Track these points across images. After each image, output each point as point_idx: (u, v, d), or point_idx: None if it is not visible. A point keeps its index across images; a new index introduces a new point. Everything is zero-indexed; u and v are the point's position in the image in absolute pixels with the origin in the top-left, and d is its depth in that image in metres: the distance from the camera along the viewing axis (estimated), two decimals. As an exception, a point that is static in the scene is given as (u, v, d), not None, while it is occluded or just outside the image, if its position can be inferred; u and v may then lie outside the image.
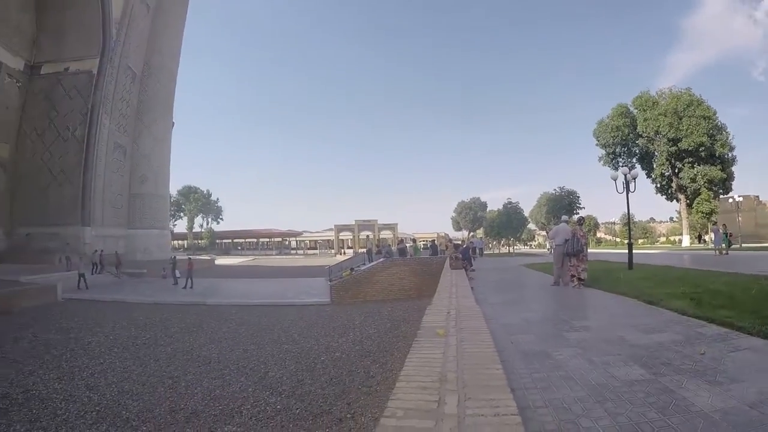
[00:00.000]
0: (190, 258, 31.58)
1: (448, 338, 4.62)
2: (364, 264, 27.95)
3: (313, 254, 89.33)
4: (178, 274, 27.67)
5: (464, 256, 18.17)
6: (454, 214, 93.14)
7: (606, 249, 54.75)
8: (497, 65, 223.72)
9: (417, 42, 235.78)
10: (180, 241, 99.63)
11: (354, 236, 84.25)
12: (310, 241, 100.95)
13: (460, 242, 24.76)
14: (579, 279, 11.36)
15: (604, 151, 59.13)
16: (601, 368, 4.28)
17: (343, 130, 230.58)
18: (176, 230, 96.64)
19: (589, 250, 12.31)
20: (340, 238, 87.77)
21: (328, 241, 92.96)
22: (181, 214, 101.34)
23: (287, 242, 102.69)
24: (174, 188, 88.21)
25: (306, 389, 8.65)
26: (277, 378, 9.40)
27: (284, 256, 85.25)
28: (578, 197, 61.95)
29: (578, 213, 57.04)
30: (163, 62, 48.63)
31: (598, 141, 58.96)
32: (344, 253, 74.72)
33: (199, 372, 9.94)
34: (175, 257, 31.42)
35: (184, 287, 26.33)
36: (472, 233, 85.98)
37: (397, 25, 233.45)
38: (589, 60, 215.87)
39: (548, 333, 6.06)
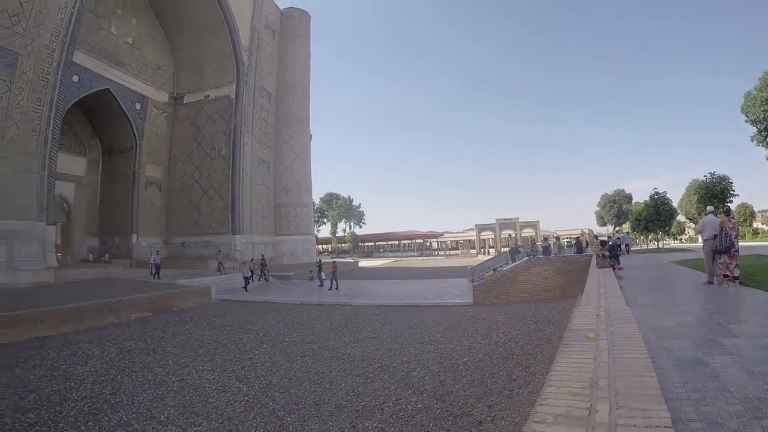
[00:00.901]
0: (334, 261, 32.78)
1: (599, 342, 4.32)
2: (506, 264, 27.27)
3: (455, 255, 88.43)
4: (323, 276, 28.64)
5: (611, 254, 17.05)
6: (597, 209, 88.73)
7: (763, 241, 48.63)
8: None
9: (558, 39, 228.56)
10: (324, 246, 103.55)
11: (495, 235, 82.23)
12: (451, 241, 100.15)
13: (605, 239, 23.19)
14: (733, 277, 10.09)
15: (755, 129, 51.61)
16: (761, 380, 3.70)
17: (481, 129, 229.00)
18: (321, 235, 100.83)
19: (739, 243, 10.84)
20: (482, 237, 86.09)
21: (469, 241, 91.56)
22: (325, 219, 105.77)
23: (428, 243, 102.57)
24: (317, 196, 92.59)
25: (447, 390, 8.47)
26: (419, 378, 9.31)
27: (426, 257, 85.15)
28: (731, 183, 55.56)
29: (731, 201, 50.72)
30: (295, 80, 51.62)
31: (748, 117, 51.54)
32: (487, 252, 73.14)
33: (343, 369, 10.08)
34: (320, 260, 32.69)
35: (329, 288, 27.13)
36: (617, 228, 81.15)
37: (540, 22, 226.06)
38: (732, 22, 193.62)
39: (703, 338, 5.36)
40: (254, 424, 7.15)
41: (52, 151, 26.26)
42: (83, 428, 7.22)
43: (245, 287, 26.28)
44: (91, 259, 38.74)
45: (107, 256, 38.64)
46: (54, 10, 25.96)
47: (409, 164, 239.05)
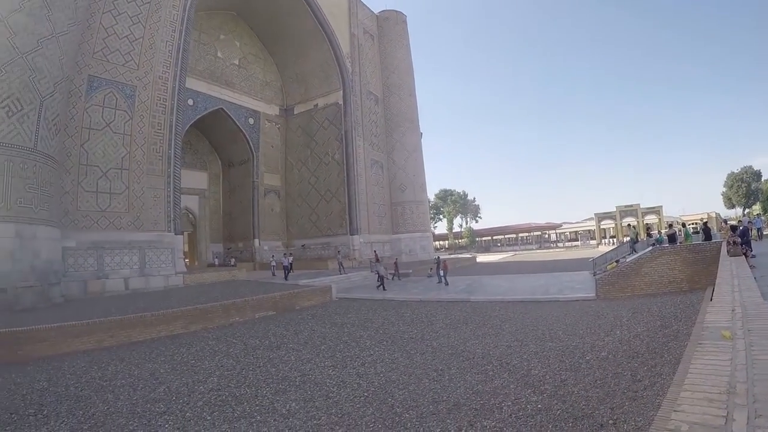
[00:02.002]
0: (441, 257, 32.50)
1: (735, 341, 3.79)
2: (629, 254, 25.44)
3: (574, 246, 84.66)
4: (442, 273, 28.39)
5: (743, 240, 15.19)
6: (724, 189, 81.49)
7: None
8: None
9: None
10: (441, 242, 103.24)
11: (616, 224, 77.31)
12: (570, 232, 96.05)
13: (735, 223, 20.72)
14: None
15: None
16: None
17: (597, 115, 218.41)
18: (437, 231, 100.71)
19: None
20: (602, 227, 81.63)
21: (589, 231, 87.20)
22: (441, 216, 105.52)
23: (546, 235, 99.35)
24: (431, 192, 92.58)
25: (568, 390, 7.82)
26: (539, 376, 8.71)
27: (544, 250, 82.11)
28: None
29: None
30: (399, 80, 52.04)
31: None
32: (611, 242, 69.23)
33: (462, 366, 9.72)
34: (439, 257, 32.40)
35: (438, 283, 27.22)
36: (746, 210, 73.75)
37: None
38: None
39: None
40: (372, 420, 7.01)
41: (176, 169, 28.61)
42: (209, 418, 7.55)
43: (382, 286, 26.27)
44: (216, 263, 42.49)
45: (233, 260, 42.04)
46: (162, 44, 28.52)
47: (526, 154, 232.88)
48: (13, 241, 18.55)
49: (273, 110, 48.27)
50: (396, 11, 54.86)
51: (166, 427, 7.25)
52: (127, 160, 26.20)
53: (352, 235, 42.58)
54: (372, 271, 32.33)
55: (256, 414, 7.58)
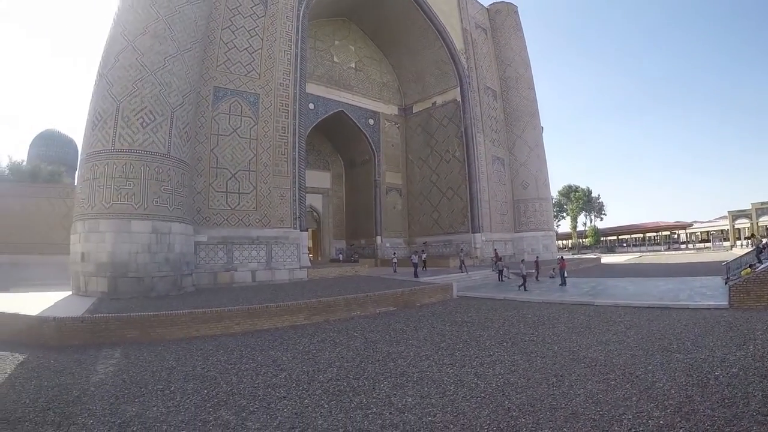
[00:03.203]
0: (562, 257, 31.01)
1: None
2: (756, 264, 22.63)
3: (705, 248, 77.41)
4: (566, 274, 27.22)
5: None
6: None
7: None
8: None
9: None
10: (564, 241, 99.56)
11: (752, 223, 69.92)
12: (701, 232, 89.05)
13: None
14: None
15: None
16: None
17: (731, 97, 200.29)
18: (560, 230, 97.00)
19: None
20: (736, 226, 74.28)
21: (722, 231, 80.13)
22: (564, 214, 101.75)
23: (675, 235, 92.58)
24: (554, 189, 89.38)
25: (693, 407, 6.92)
26: (663, 390, 7.82)
27: (672, 252, 76.22)
28: None
29: None
30: (516, 73, 50.66)
31: None
32: (746, 244, 62.19)
33: (583, 373, 9.02)
34: (561, 257, 31.10)
35: (561, 284, 26.26)
36: None
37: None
38: None
39: None
40: (488, 422, 6.65)
41: (300, 170, 30.09)
42: (326, 406, 7.63)
43: (523, 286, 25.43)
44: (341, 258, 43.70)
45: (355, 255, 43.58)
46: (280, 54, 30.34)
47: (655, 147, 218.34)
48: (149, 236, 21.18)
49: (392, 110, 49.08)
50: (507, 2, 53.39)
51: (285, 412, 7.45)
52: (254, 162, 28.14)
53: (473, 233, 42.13)
54: (493, 270, 31.91)
55: (372, 406, 7.56)
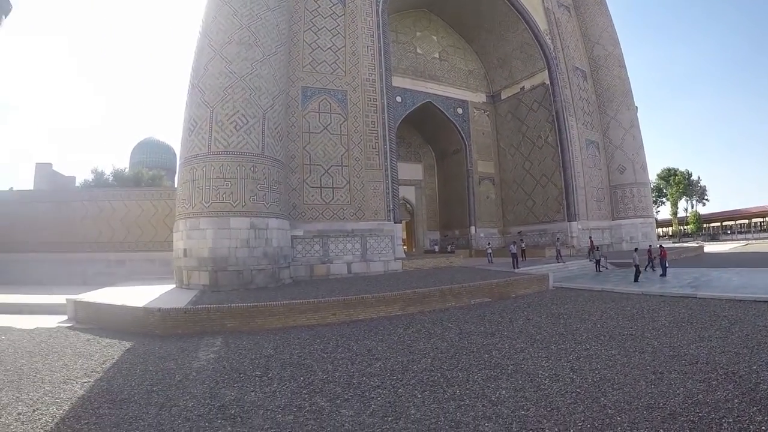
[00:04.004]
0: (661, 245, 29.46)
1: None
2: None
3: None
4: (667, 265, 25.78)
5: None
6: None
7: None
8: None
9: None
10: (664, 228, 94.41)
11: None
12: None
13: None
14: None
15: None
16: None
17: None
18: (659, 217, 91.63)
19: None
20: None
21: None
22: (663, 199, 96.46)
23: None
24: (652, 173, 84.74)
25: None
26: None
27: (783, 239, 68.82)
28: None
29: None
30: (605, 51, 48.33)
31: None
32: None
33: (683, 371, 8.48)
34: (661, 246, 29.46)
35: (662, 275, 24.93)
36: None
37: None
38: None
39: None
40: (582, 418, 6.47)
41: (392, 162, 30.67)
42: (419, 396, 7.77)
43: (636, 277, 24.33)
44: (436, 250, 44.16)
45: (449, 246, 43.38)
46: (363, 50, 30.96)
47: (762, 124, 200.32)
48: (248, 231, 22.41)
49: (480, 98, 48.16)
50: (589, -24, 50.51)
51: (378, 400, 7.64)
52: (346, 157, 28.97)
53: (569, 221, 40.72)
54: (590, 260, 30.86)
55: (465, 398, 7.57)
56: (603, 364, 9.23)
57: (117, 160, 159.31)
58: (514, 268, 27.73)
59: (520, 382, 8.31)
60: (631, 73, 49.94)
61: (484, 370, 9.19)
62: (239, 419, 7.09)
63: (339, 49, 30.11)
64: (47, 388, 8.83)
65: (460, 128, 45.50)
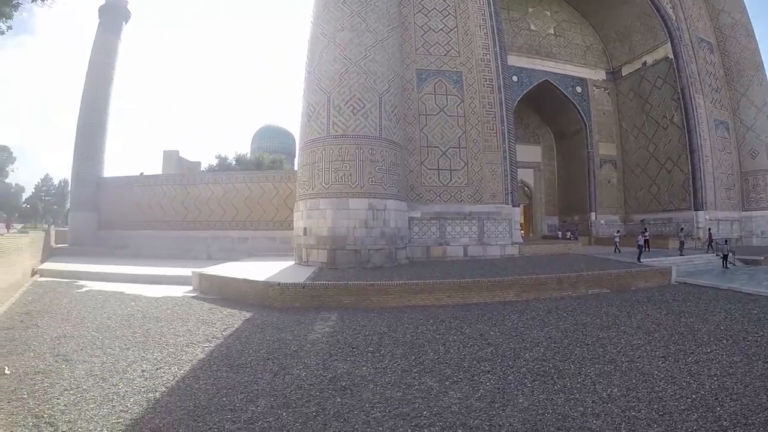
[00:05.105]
0: None
1: None
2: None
3: None
4: None
5: None
6: None
7: None
8: None
9: None
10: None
11: None
12: None
13: None
14: None
15: None
16: None
17: None
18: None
19: None
20: None
21: None
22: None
23: None
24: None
25: None
26: None
27: None
28: None
29: None
30: (731, 20, 43.46)
31: None
32: None
33: None
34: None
35: None
36: None
37: None
38: None
39: None
40: (694, 427, 6.29)
41: (510, 144, 30.23)
42: (529, 385, 7.91)
43: (724, 265, 22.97)
44: (559, 236, 42.45)
45: (569, 233, 41.60)
46: (475, 29, 30.52)
47: None
48: (366, 212, 23.31)
49: (599, 75, 45.40)
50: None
51: (487, 385, 7.90)
52: (463, 139, 29.05)
53: (695, 210, 37.35)
54: (717, 254, 28.95)
55: (575, 391, 7.60)
56: (723, 370, 8.80)
57: (239, 146, 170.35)
58: (638, 259, 26.07)
59: (633, 381, 8.15)
60: (761, 44, 44.79)
61: (597, 364, 9.08)
62: (349, 391, 7.63)
63: (451, 30, 30.04)
64: (170, 350, 10.08)
65: (579, 107, 43.29)
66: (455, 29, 30.17)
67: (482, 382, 8.03)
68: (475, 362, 9.15)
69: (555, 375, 8.39)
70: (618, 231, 36.02)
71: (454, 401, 7.19)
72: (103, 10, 47.89)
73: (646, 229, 35.33)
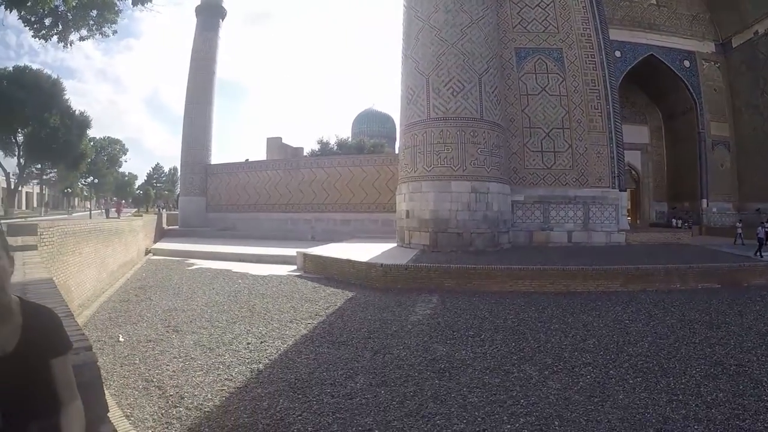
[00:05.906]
0: None
1: None
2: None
3: None
4: None
5: None
6: None
7: None
8: None
9: None
10: None
11: None
12: None
13: None
14: None
15: None
16: None
17: None
18: None
19: None
20: None
21: None
22: None
23: None
24: None
25: None
26: None
27: None
28: None
29: None
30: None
31: None
32: None
33: None
34: None
35: None
36: None
37: None
38: None
39: None
40: None
41: (616, 124, 28.63)
42: (630, 381, 7.48)
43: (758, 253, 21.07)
44: (673, 224, 38.89)
45: (679, 221, 38.30)
46: (572, 2, 28.97)
47: None
48: (469, 195, 22.86)
49: (708, 47, 40.85)
50: None
51: (588, 378, 7.63)
52: (567, 119, 27.82)
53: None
54: None
55: (678, 393, 7.01)
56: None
57: (340, 131, 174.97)
58: (756, 254, 23.57)
59: (741, 386, 7.35)
60: None
61: (704, 366, 8.30)
62: (447, 374, 7.69)
63: (548, 6, 28.72)
64: (275, 325, 10.63)
65: (688, 83, 39.27)
66: (552, 4, 28.76)
67: (582, 374, 7.78)
68: (576, 353, 8.87)
69: (659, 373, 7.85)
70: (740, 221, 32.86)
71: (552, 392, 7.04)
72: (199, 10, 50.36)
73: (767, 219, 32.31)
